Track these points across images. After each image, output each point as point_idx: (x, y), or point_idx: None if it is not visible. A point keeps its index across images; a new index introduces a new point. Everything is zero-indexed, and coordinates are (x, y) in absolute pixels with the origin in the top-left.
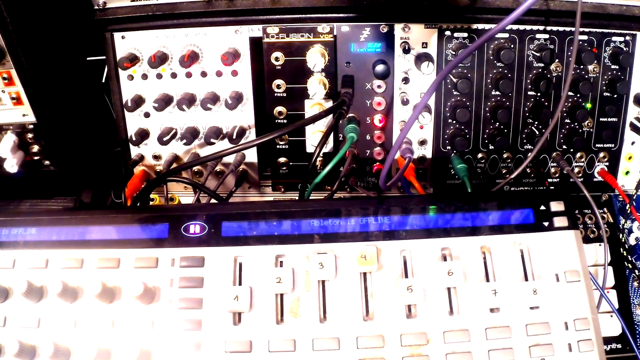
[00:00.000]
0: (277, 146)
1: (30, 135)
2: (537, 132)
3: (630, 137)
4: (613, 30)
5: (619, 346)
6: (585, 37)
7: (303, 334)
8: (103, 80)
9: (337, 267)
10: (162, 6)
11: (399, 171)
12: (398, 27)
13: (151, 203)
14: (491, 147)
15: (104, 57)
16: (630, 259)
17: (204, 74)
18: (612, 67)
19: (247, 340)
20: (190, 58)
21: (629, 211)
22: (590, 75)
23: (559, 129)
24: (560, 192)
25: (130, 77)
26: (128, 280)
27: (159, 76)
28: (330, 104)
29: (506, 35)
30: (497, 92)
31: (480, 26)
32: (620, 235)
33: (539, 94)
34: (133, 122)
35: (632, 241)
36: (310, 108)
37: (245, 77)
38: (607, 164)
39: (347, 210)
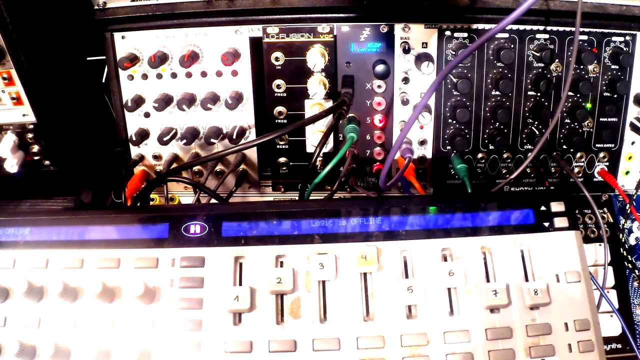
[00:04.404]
0: (277, 146)
1: (30, 135)
2: (537, 132)
3: (630, 137)
4: (613, 30)
5: (619, 346)
6: (585, 37)
7: (303, 334)
8: (103, 80)
9: (338, 268)
10: (162, 6)
11: (399, 171)
12: (398, 27)
13: (151, 203)
14: (491, 147)
15: (104, 57)
16: (630, 259)
17: (204, 74)
18: (612, 67)
19: (247, 341)
20: (190, 58)
21: (629, 211)
22: (590, 75)
23: (559, 129)
24: (560, 192)
25: (130, 77)
26: (128, 280)
27: (159, 76)
28: (330, 104)
29: (506, 35)
30: (497, 92)
31: (480, 26)
32: (620, 235)
33: (539, 94)
34: (133, 122)
35: (632, 241)
36: (310, 108)
37: (245, 77)
38: (607, 164)
39: (347, 211)
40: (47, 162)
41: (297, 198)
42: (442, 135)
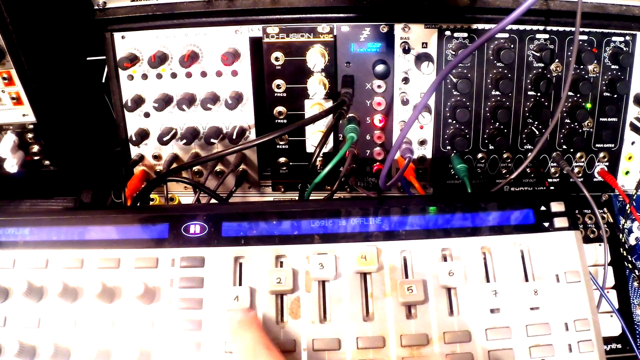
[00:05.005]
0: (277, 146)
1: (30, 135)
2: (537, 132)
3: (630, 137)
4: (613, 30)
5: (619, 346)
6: (585, 37)
7: (303, 335)
8: (103, 80)
9: (338, 268)
10: (162, 6)
11: (399, 171)
12: (398, 27)
13: (151, 203)
14: (491, 147)
15: (104, 57)
16: (630, 259)
17: (204, 74)
18: (612, 67)
19: None
20: (190, 58)
21: (629, 211)
22: (590, 75)
23: (559, 129)
24: (560, 192)
25: (130, 77)
26: (128, 280)
27: (159, 76)
28: (330, 104)
29: (506, 35)
30: (497, 92)
31: (480, 26)
32: (620, 235)
33: (539, 94)
34: (133, 122)
35: (632, 241)
36: (310, 108)
37: (245, 77)
38: (607, 164)
39: (347, 211)
40: (47, 162)
41: (297, 198)
42: (442, 135)
